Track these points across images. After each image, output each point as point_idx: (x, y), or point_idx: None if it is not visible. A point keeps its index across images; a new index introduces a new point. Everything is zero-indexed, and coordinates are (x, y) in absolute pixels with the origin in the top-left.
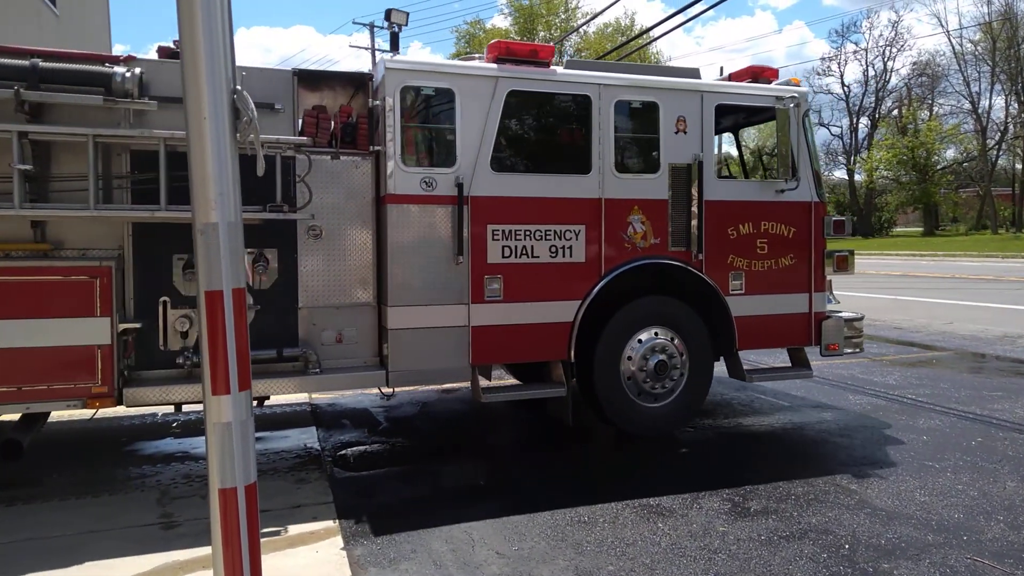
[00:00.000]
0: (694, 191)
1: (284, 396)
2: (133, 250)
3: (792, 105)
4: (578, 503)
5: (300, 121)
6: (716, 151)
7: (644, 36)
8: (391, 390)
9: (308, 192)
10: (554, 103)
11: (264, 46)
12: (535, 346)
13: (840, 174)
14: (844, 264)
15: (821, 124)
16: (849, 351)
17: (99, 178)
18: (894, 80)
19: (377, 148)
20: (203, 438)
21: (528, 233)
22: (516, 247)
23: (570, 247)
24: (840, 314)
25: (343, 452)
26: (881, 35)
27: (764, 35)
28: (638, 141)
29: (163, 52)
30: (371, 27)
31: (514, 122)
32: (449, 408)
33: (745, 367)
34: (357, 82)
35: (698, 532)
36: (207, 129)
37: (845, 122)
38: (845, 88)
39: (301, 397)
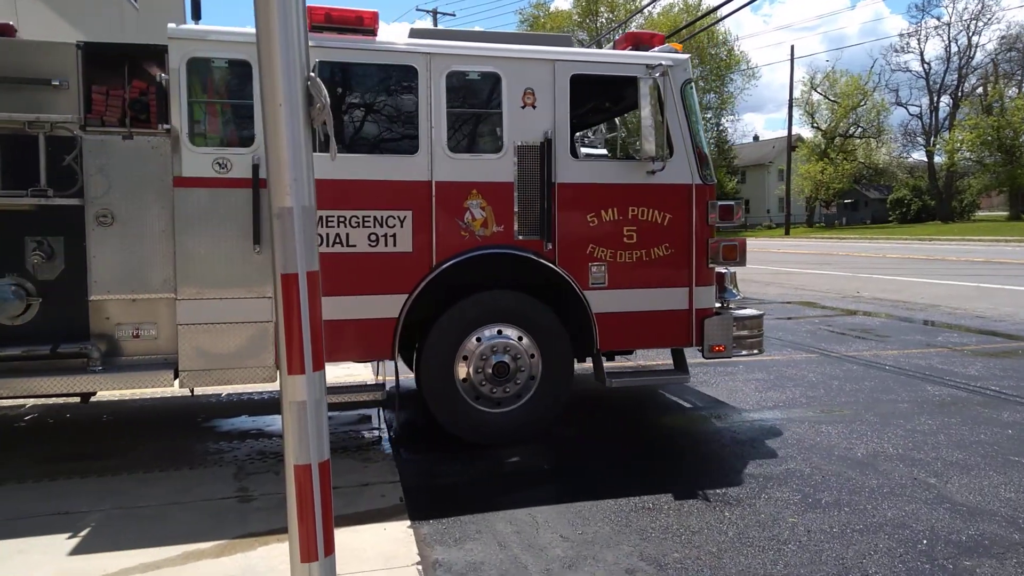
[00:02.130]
0: (544, 173)
1: (355, 377)
2: None
3: (659, 74)
4: (643, 490)
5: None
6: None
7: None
8: (190, 391)
9: (80, 174)
10: (374, 75)
11: None
12: (353, 344)
13: (919, 156)
14: (732, 254)
15: (898, 103)
16: (744, 353)
17: None
18: (979, 56)
19: (168, 127)
20: (276, 416)
21: (343, 219)
22: (328, 235)
23: (394, 235)
24: (732, 312)
25: (409, 433)
26: (965, 8)
27: (836, 11)
28: (477, 117)
29: None
30: (434, 13)
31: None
32: None
33: (607, 368)
34: (155, 55)
35: (766, 522)
36: (282, 116)
37: (925, 101)
38: (925, 65)
39: (370, 378)
